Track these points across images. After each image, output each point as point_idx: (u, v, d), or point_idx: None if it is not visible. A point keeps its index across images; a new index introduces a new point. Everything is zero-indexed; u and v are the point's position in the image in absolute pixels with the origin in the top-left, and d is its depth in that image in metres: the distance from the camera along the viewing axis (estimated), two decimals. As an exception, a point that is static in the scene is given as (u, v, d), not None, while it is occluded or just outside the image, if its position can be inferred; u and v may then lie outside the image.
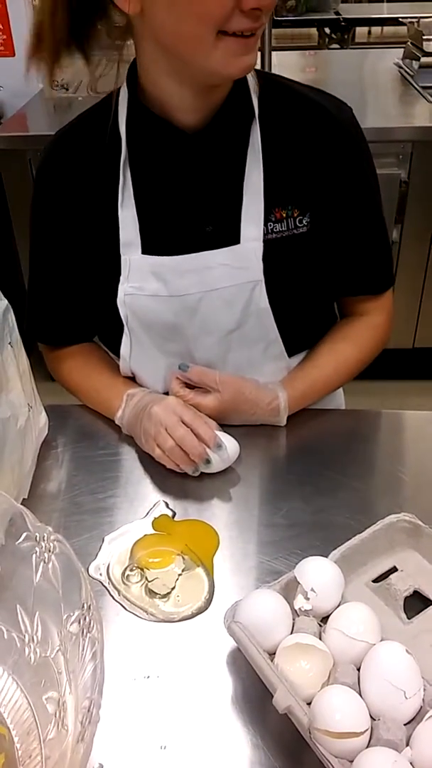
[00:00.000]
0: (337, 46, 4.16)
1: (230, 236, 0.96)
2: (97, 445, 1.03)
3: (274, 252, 0.96)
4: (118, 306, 0.99)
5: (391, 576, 0.78)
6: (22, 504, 0.74)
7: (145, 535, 0.88)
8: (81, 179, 0.98)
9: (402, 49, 2.83)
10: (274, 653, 0.68)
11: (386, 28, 4.41)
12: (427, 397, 2.60)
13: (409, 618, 0.75)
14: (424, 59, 2.57)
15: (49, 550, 0.64)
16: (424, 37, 2.57)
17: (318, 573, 0.74)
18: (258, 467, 0.99)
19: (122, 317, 1.00)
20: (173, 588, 0.81)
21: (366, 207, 1.02)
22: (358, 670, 0.67)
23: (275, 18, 3.68)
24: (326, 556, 0.77)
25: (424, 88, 2.49)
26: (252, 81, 0.95)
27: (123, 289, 0.98)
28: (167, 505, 0.92)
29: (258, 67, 0.92)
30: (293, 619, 0.72)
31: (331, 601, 0.73)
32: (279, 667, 0.66)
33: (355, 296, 1.10)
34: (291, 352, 1.06)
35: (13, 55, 2.52)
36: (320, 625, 0.72)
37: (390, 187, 2.23)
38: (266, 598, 0.72)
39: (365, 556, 0.80)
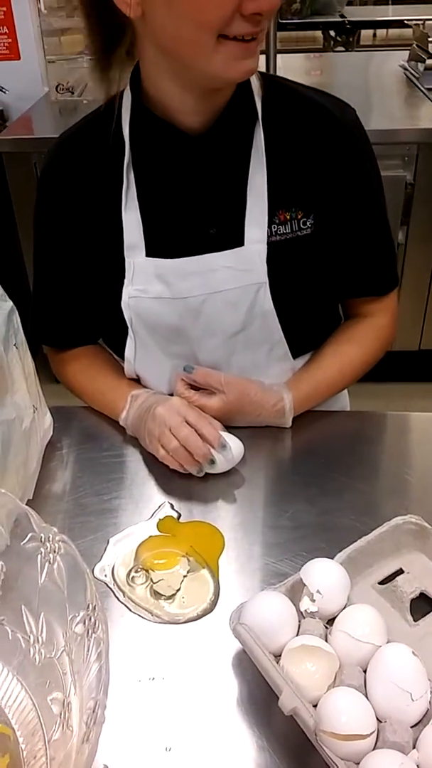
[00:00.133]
0: (342, 48, 4.17)
1: (234, 239, 0.96)
2: (101, 446, 1.03)
3: (278, 254, 0.96)
4: (123, 309, 0.99)
5: (397, 578, 0.78)
6: (26, 505, 0.73)
7: (150, 536, 0.88)
8: (85, 182, 0.98)
9: (407, 52, 2.83)
10: (280, 655, 0.68)
11: (391, 31, 4.41)
12: (432, 400, 2.60)
13: (415, 620, 0.75)
14: (429, 61, 2.57)
15: (55, 551, 0.64)
16: (430, 40, 2.58)
17: (324, 575, 0.73)
18: (263, 469, 0.99)
19: (126, 320, 1.00)
20: (178, 589, 0.81)
21: (370, 208, 1.02)
22: (365, 672, 0.67)
23: (280, 21, 3.68)
24: (332, 558, 0.76)
25: (429, 90, 2.49)
26: (255, 83, 0.95)
27: (127, 291, 0.98)
28: (172, 506, 0.92)
29: (263, 69, 0.92)
30: (299, 621, 0.71)
31: (337, 603, 0.72)
32: (285, 668, 0.66)
33: (359, 297, 1.10)
34: (296, 353, 1.05)
35: (19, 58, 2.52)
36: (326, 627, 0.71)
37: (395, 189, 2.23)
38: (272, 599, 0.71)
39: (371, 558, 0.80)
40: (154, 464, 0.98)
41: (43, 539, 0.65)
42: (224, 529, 0.88)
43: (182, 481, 0.95)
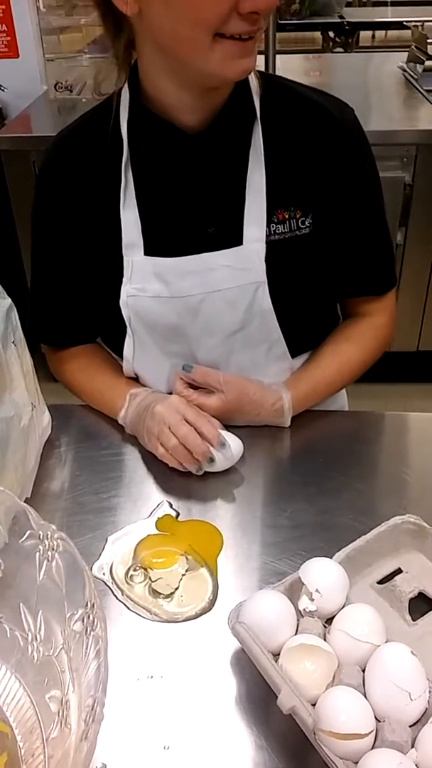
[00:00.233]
0: (341, 49, 4.17)
1: (232, 238, 0.96)
2: (100, 444, 1.03)
3: (276, 253, 0.96)
4: (121, 307, 0.99)
5: (396, 578, 0.78)
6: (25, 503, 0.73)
7: (149, 535, 0.88)
8: (83, 181, 0.98)
9: (406, 53, 2.83)
10: (279, 654, 0.68)
11: (390, 32, 4.42)
12: (430, 400, 2.60)
13: (414, 620, 0.75)
14: (428, 63, 2.57)
15: (53, 549, 0.64)
16: (429, 41, 2.58)
17: (323, 574, 0.73)
18: (262, 468, 0.99)
19: (125, 318, 1.00)
20: (177, 588, 0.81)
21: (368, 208, 1.02)
22: (363, 671, 0.67)
23: (279, 21, 3.68)
24: (331, 558, 0.76)
25: (428, 91, 2.49)
26: (254, 82, 0.95)
27: (125, 290, 0.98)
28: (171, 505, 0.92)
29: (262, 70, 0.92)
30: (298, 620, 0.71)
31: (335, 602, 0.72)
32: (283, 667, 0.66)
33: (357, 297, 1.10)
34: (294, 353, 1.05)
35: (17, 56, 2.52)
36: (325, 626, 0.71)
37: (394, 190, 2.23)
38: (271, 598, 0.71)
39: (370, 558, 0.80)
40: (152, 463, 0.98)
41: (41, 537, 0.65)
42: (223, 528, 0.88)
43: (181, 479, 0.95)
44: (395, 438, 1.11)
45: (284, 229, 0.96)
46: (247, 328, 1.00)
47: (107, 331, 1.10)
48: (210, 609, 0.79)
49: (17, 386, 0.89)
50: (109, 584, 0.81)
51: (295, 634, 0.70)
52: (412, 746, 0.61)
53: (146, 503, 0.93)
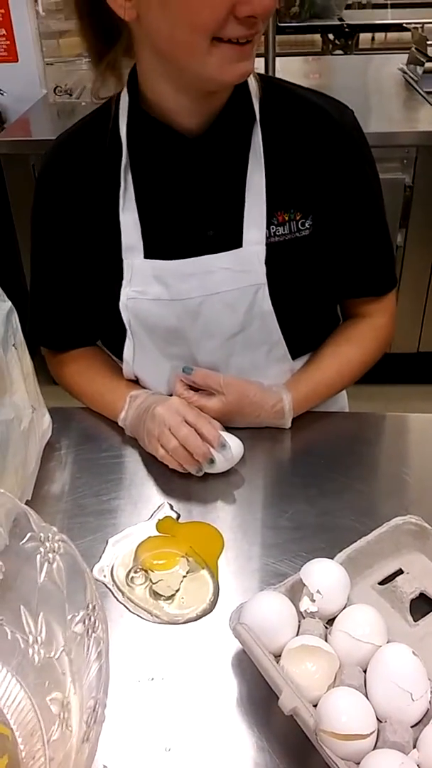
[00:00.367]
0: (340, 52, 4.17)
1: (232, 240, 0.96)
2: (100, 447, 1.03)
3: (276, 255, 0.96)
4: (121, 310, 0.99)
5: (397, 578, 0.78)
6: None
7: (149, 537, 0.88)
8: (82, 184, 0.98)
9: (406, 55, 2.83)
10: (280, 655, 0.68)
11: (390, 34, 4.41)
12: (431, 402, 2.60)
13: (415, 620, 0.75)
14: (428, 64, 2.58)
15: (54, 551, 0.64)
16: (429, 43, 2.58)
17: (324, 575, 0.73)
18: (262, 470, 0.99)
19: (125, 321, 1.00)
20: (178, 590, 0.81)
21: (368, 209, 1.02)
22: (365, 672, 0.66)
23: (279, 24, 3.68)
24: (332, 559, 0.76)
25: (428, 93, 2.50)
26: (254, 84, 0.95)
27: (125, 293, 0.98)
28: (171, 507, 0.92)
29: (261, 72, 0.92)
30: (299, 621, 0.71)
31: (336, 603, 0.72)
32: (285, 668, 0.66)
33: (358, 298, 1.10)
34: (294, 354, 1.05)
35: (17, 60, 2.53)
36: (326, 627, 0.71)
37: (394, 192, 2.23)
38: (272, 599, 0.71)
39: (371, 559, 0.80)
40: (153, 465, 0.98)
41: (42, 539, 0.65)
42: (224, 530, 0.88)
43: (181, 481, 0.95)
44: (396, 439, 1.10)
45: (284, 231, 0.97)
46: (247, 330, 1.00)
47: (107, 333, 1.10)
48: (211, 610, 0.78)
49: (17, 389, 0.89)
50: (110, 586, 0.81)
51: (297, 635, 0.70)
52: (414, 747, 0.61)
53: (147, 505, 0.93)
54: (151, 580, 0.82)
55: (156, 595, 0.80)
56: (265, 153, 0.94)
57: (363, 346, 1.09)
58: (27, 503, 0.90)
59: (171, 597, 0.80)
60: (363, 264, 1.06)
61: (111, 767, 0.64)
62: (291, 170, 0.96)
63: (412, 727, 0.62)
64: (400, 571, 0.79)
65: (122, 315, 1.00)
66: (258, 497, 0.94)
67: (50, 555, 0.64)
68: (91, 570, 0.83)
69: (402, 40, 3.86)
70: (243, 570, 0.83)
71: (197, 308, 0.97)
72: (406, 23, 3.28)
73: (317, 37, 4.39)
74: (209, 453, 0.92)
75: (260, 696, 0.68)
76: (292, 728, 0.63)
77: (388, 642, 0.68)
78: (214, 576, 0.82)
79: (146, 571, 0.83)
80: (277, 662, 0.67)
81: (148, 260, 0.97)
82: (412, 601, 0.76)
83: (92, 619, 0.58)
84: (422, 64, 2.61)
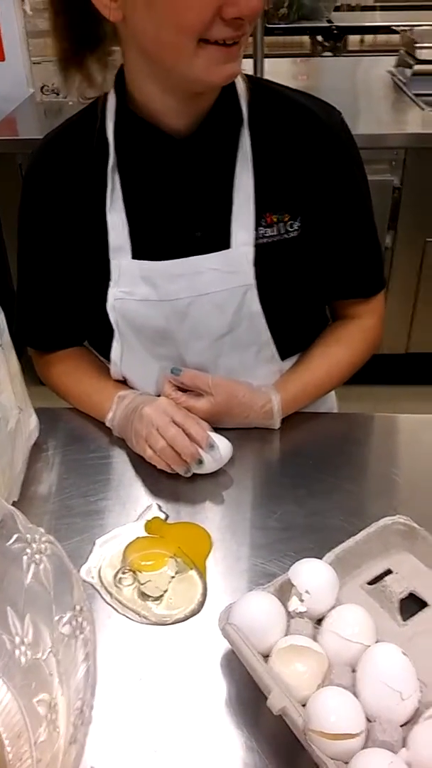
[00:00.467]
0: (329, 54, 4.18)
1: (221, 241, 0.96)
2: (88, 447, 1.03)
3: (265, 257, 0.96)
4: (108, 311, 0.99)
5: (386, 578, 0.78)
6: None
7: (137, 537, 0.87)
8: (69, 184, 0.97)
9: (395, 57, 2.85)
10: (269, 655, 0.68)
11: (379, 36, 4.42)
12: (419, 402, 2.61)
13: (404, 620, 0.75)
14: (416, 67, 2.59)
15: (41, 552, 0.63)
16: (417, 45, 2.59)
17: (312, 575, 0.73)
18: (251, 470, 0.99)
19: (112, 322, 1.00)
20: (166, 591, 0.80)
21: (356, 211, 1.02)
22: (354, 671, 0.66)
23: (267, 25, 3.69)
24: (320, 559, 0.76)
25: (416, 95, 2.51)
26: (242, 86, 0.95)
27: (113, 293, 0.98)
28: (160, 507, 0.92)
29: (250, 73, 0.92)
30: (288, 621, 0.71)
31: (325, 603, 0.72)
32: (273, 669, 0.66)
33: (346, 299, 1.10)
34: (283, 355, 1.05)
35: (3, 59, 2.52)
36: (315, 627, 0.71)
37: (383, 194, 2.24)
38: (260, 599, 0.71)
39: (360, 559, 0.80)
40: (141, 465, 0.97)
41: (29, 540, 0.64)
42: (212, 530, 0.88)
43: (169, 482, 0.95)
44: (384, 439, 1.11)
45: (272, 232, 0.96)
46: (235, 331, 1.00)
47: (94, 334, 1.10)
48: (199, 611, 0.78)
49: (4, 389, 0.88)
50: (98, 587, 0.81)
51: (286, 635, 0.70)
52: (403, 746, 0.61)
53: (135, 506, 0.92)
54: (139, 581, 0.81)
55: (144, 595, 0.80)
56: (253, 154, 0.94)
57: (352, 347, 1.09)
58: (14, 504, 0.89)
59: (159, 598, 0.79)
60: (351, 265, 1.06)
61: (99, 769, 0.63)
62: (279, 172, 0.96)
63: (401, 726, 0.62)
64: (388, 571, 0.80)
65: (110, 316, 0.99)
66: (246, 498, 0.94)
67: (37, 556, 0.64)
68: (79, 571, 0.82)
69: (391, 42, 3.87)
70: (231, 570, 0.83)
71: (185, 309, 0.97)
72: (395, 26, 3.30)
73: (306, 38, 4.39)
74: (197, 453, 0.92)
75: (249, 696, 0.68)
76: (281, 728, 0.63)
77: (377, 642, 0.68)
78: (203, 576, 0.82)
79: (134, 571, 0.82)
80: (266, 662, 0.66)
81: (136, 261, 0.97)
82: (401, 600, 0.76)
83: (79, 620, 0.58)
84: (410, 67, 2.62)
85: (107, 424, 1.03)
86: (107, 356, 1.06)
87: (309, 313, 1.10)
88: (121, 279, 0.97)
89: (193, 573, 0.82)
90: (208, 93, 0.91)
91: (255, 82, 0.97)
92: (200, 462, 0.93)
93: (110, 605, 0.79)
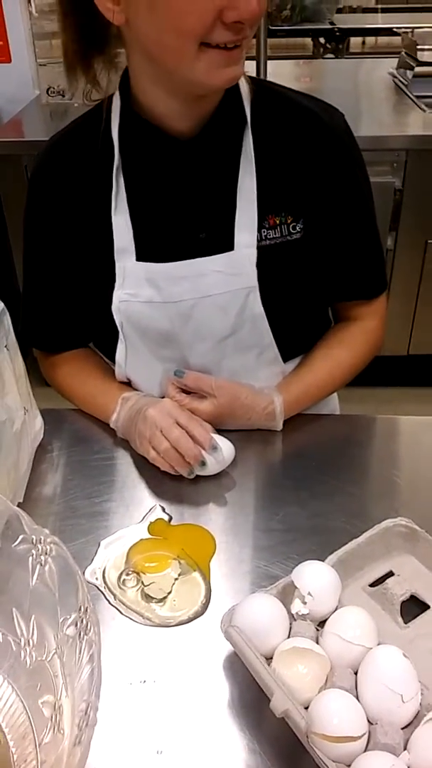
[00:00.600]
0: (331, 55, 4.18)
1: (224, 243, 0.96)
2: (92, 449, 1.03)
3: (268, 258, 0.96)
4: (113, 313, 0.99)
5: (387, 580, 0.78)
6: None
7: (141, 539, 0.88)
8: (74, 186, 0.98)
9: (396, 59, 2.85)
10: (271, 657, 0.68)
11: (380, 38, 4.43)
12: (421, 404, 2.61)
13: (406, 622, 0.75)
14: (418, 69, 2.59)
15: (46, 553, 0.64)
16: (418, 47, 2.59)
17: (315, 577, 0.73)
18: (254, 472, 0.99)
19: (117, 324, 1.00)
20: (169, 592, 0.81)
21: (358, 212, 1.03)
22: (356, 674, 0.67)
23: (270, 28, 3.69)
24: (323, 561, 0.77)
25: (418, 97, 2.51)
26: (245, 88, 0.95)
27: (117, 295, 0.98)
28: (163, 509, 0.92)
29: (253, 75, 0.92)
30: (290, 624, 0.71)
31: (328, 605, 0.73)
32: (276, 671, 0.66)
33: (348, 301, 1.10)
34: (286, 357, 1.06)
35: (9, 61, 2.52)
36: (317, 630, 0.72)
37: (384, 196, 2.24)
38: (263, 602, 0.71)
39: (362, 561, 0.80)
40: (144, 467, 0.98)
41: (34, 541, 0.65)
42: (215, 532, 0.88)
43: (173, 483, 0.95)
44: (386, 441, 1.11)
45: (275, 234, 0.97)
46: (238, 333, 1.00)
47: (99, 335, 1.10)
48: (203, 613, 0.79)
49: (9, 390, 0.89)
50: (102, 589, 0.81)
51: (288, 637, 0.70)
52: (405, 749, 0.61)
53: (138, 507, 0.93)
54: (142, 583, 0.82)
55: (148, 597, 0.80)
56: (256, 156, 0.95)
57: (354, 348, 1.10)
58: (19, 505, 0.89)
59: (163, 599, 0.80)
60: (354, 267, 1.06)
61: (102, 770, 0.64)
62: (282, 173, 0.96)
63: (402, 728, 0.63)
64: (390, 573, 0.80)
65: (114, 317, 1.00)
66: (249, 500, 0.94)
67: (42, 557, 0.64)
68: (83, 572, 0.82)
69: (392, 44, 3.88)
70: (234, 572, 0.83)
71: (189, 311, 0.97)
72: (397, 27, 3.30)
73: (308, 40, 4.40)
74: (201, 455, 0.93)
75: (252, 698, 0.69)
76: (284, 730, 0.64)
77: (378, 644, 0.69)
78: (206, 578, 0.82)
79: (138, 573, 0.83)
80: (269, 664, 0.67)
81: (140, 263, 0.97)
82: (403, 603, 0.76)
83: (84, 621, 0.58)
84: (412, 68, 2.62)
85: (111, 425, 1.04)
86: (112, 358, 1.06)
87: (311, 315, 1.10)
88: (125, 281, 0.98)
89: (196, 575, 0.83)
90: (212, 95, 0.91)
91: (258, 84, 0.98)
92: (203, 464, 0.93)
93: (114, 607, 0.79)
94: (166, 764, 0.65)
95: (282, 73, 2.91)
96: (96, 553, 0.86)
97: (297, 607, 0.72)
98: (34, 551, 0.64)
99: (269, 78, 2.28)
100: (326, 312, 1.15)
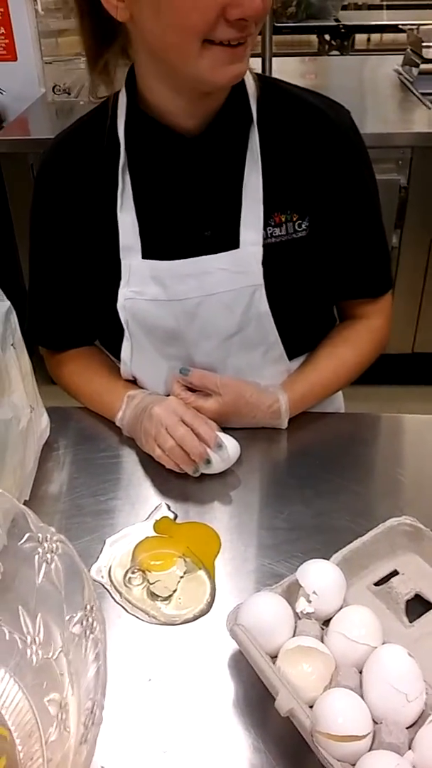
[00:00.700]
0: (336, 52, 4.17)
1: (230, 241, 0.96)
2: (98, 447, 1.03)
3: (273, 256, 0.96)
4: (119, 310, 0.99)
5: (392, 579, 0.78)
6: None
7: (147, 537, 0.88)
8: (80, 184, 0.98)
9: (401, 56, 2.84)
10: (276, 656, 0.68)
11: (385, 35, 4.42)
12: (426, 402, 2.60)
13: (410, 621, 0.75)
14: (423, 66, 2.58)
15: (52, 551, 0.64)
16: (424, 44, 2.59)
17: (320, 576, 0.73)
18: (259, 470, 0.99)
19: (122, 322, 1.00)
20: (175, 590, 0.81)
21: (364, 210, 1.03)
22: (360, 673, 0.67)
23: (275, 24, 3.68)
24: (327, 559, 0.77)
25: (423, 94, 2.50)
26: (251, 85, 0.95)
27: (123, 293, 0.98)
28: (169, 507, 0.92)
29: (260, 72, 0.92)
30: (295, 622, 0.71)
31: (333, 604, 0.73)
32: (281, 670, 0.66)
33: (354, 299, 1.10)
34: (291, 355, 1.06)
35: (16, 59, 2.52)
36: (322, 628, 0.72)
37: (390, 193, 2.24)
38: (268, 600, 0.72)
39: (366, 560, 0.80)
40: (150, 465, 0.98)
41: (40, 539, 0.65)
42: (220, 531, 0.88)
43: (178, 482, 0.95)
44: (391, 440, 1.11)
45: (281, 232, 0.97)
46: (244, 331, 1.00)
47: (105, 333, 1.10)
48: (208, 611, 0.79)
49: (16, 388, 0.89)
50: (108, 587, 0.81)
51: (293, 636, 0.70)
52: (409, 748, 0.61)
53: (144, 505, 0.93)
54: (148, 581, 0.82)
55: (153, 595, 0.80)
56: (262, 154, 0.94)
57: (359, 347, 1.10)
58: (25, 503, 0.90)
59: (168, 598, 0.80)
60: (359, 265, 1.06)
61: None
62: (288, 171, 0.96)
63: (407, 728, 0.63)
64: (395, 572, 0.80)
65: (120, 315, 1.00)
66: (254, 498, 0.94)
67: (48, 555, 0.64)
68: (89, 570, 0.83)
69: (397, 41, 3.87)
70: (239, 571, 0.83)
71: (194, 309, 0.97)
72: (402, 24, 3.29)
73: (313, 37, 4.39)
74: (206, 453, 0.93)
75: (256, 697, 0.69)
76: (289, 729, 0.64)
77: (383, 643, 0.69)
78: (211, 576, 0.83)
79: (143, 571, 0.83)
80: (274, 663, 0.67)
81: (146, 260, 0.97)
82: (408, 602, 0.76)
83: (90, 619, 0.58)
84: (417, 66, 2.61)
85: (117, 423, 1.04)
86: (118, 355, 1.06)
87: (317, 313, 1.10)
88: (131, 279, 0.98)
89: (201, 573, 0.83)
90: (218, 93, 0.91)
91: (265, 81, 0.98)
92: (208, 462, 0.93)
93: (120, 605, 0.79)
94: (172, 763, 0.65)
95: (287, 70, 2.90)
96: (101, 551, 0.86)
97: (302, 605, 0.72)
98: (40, 549, 0.65)
99: (274, 75, 2.28)
100: (331, 310, 1.15)
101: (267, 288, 0.96)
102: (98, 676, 0.55)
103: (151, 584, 0.81)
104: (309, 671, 0.66)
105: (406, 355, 2.60)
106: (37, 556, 0.65)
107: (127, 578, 0.82)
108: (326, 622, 0.72)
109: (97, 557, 0.85)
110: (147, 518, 0.91)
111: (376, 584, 0.79)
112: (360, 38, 4.39)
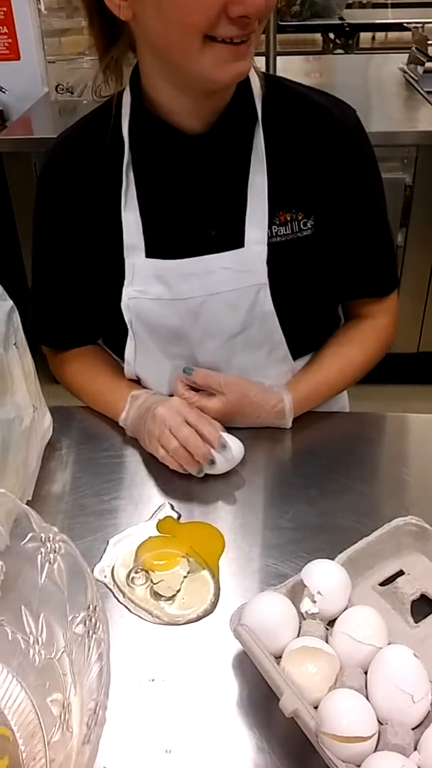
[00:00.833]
0: (341, 51, 4.17)
1: (234, 240, 0.96)
2: (101, 446, 1.03)
3: (278, 255, 0.96)
4: (122, 309, 0.99)
5: (398, 579, 0.78)
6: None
7: (150, 537, 0.88)
8: (84, 182, 0.98)
9: (406, 55, 2.83)
10: (281, 656, 0.68)
11: (390, 34, 4.41)
12: (431, 402, 2.60)
13: (416, 622, 0.75)
14: (428, 64, 2.57)
15: (55, 551, 0.64)
16: (429, 43, 2.58)
17: (325, 576, 0.73)
18: (263, 470, 0.99)
19: (126, 321, 1.00)
20: (178, 590, 0.80)
21: (370, 209, 1.02)
22: (366, 673, 0.66)
23: (279, 23, 3.68)
24: (332, 559, 0.76)
25: (428, 92, 2.50)
26: (257, 84, 0.95)
27: (127, 292, 0.98)
28: (172, 507, 0.92)
29: (265, 71, 0.91)
30: (300, 622, 0.71)
31: (337, 604, 0.72)
32: (285, 670, 0.66)
33: (359, 299, 1.10)
34: (296, 355, 1.05)
35: (19, 58, 2.52)
36: (327, 629, 0.71)
37: (395, 192, 2.23)
38: (273, 600, 0.71)
39: (372, 560, 0.80)
40: (153, 465, 0.98)
41: (43, 539, 0.65)
42: (224, 530, 0.88)
43: (182, 481, 0.95)
44: (396, 439, 1.10)
45: (286, 231, 0.96)
46: (248, 331, 1.00)
47: (108, 333, 1.10)
48: (211, 611, 0.78)
49: (18, 388, 0.89)
50: (111, 587, 0.81)
51: (297, 636, 0.70)
52: (415, 749, 0.61)
53: (147, 505, 0.92)
54: (151, 581, 0.81)
55: (157, 595, 0.80)
56: (267, 152, 0.94)
57: (365, 346, 1.09)
58: (28, 503, 0.90)
59: (172, 597, 0.80)
60: (365, 264, 1.06)
61: (111, 768, 0.64)
62: (293, 170, 0.96)
63: (413, 729, 0.62)
64: (400, 572, 0.79)
65: (124, 314, 0.99)
66: (258, 498, 0.94)
67: (51, 555, 0.64)
68: (92, 570, 0.82)
69: (402, 39, 3.85)
70: (244, 571, 0.83)
71: (198, 308, 0.97)
72: (407, 23, 3.28)
73: (318, 36, 4.38)
74: (210, 454, 0.92)
75: (261, 697, 0.68)
76: (293, 730, 0.63)
77: (388, 644, 0.68)
78: (215, 576, 0.82)
79: (147, 571, 0.83)
80: (278, 663, 0.67)
81: (150, 259, 0.97)
82: (413, 602, 0.76)
83: (93, 619, 0.58)
84: (422, 64, 2.61)
85: (120, 423, 1.03)
86: (121, 355, 1.06)
87: (322, 312, 1.10)
88: (134, 278, 0.98)
89: (205, 573, 0.83)
90: (222, 91, 0.90)
91: (270, 80, 0.97)
92: (212, 462, 0.93)
93: (123, 605, 0.79)
94: (175, 763, 0.65)
95: (291, 68, 2.89)
96: (105, 551, 0.86)
97: (306, 605, 0.72)
98: (43, 549, 0.64)
99: (279, 74, 2.27)
100: (337, 309, 1.14)
101: (272, 287, 0.96)
102: (101, 677, 0.54)
103: (154, 584, 0.81)
104: (314, 671, 0.66)
105: (412, 354, 2.60)
106: (39, 556, 0.64)
107: (130, 578, 0.82)
108: (331, 623, 0.72)
109: (101, 557, 0.85)
110: (150, 518, 0.90)
111: (382, 584, 0.79)
112: (365, 37, 4.38)
